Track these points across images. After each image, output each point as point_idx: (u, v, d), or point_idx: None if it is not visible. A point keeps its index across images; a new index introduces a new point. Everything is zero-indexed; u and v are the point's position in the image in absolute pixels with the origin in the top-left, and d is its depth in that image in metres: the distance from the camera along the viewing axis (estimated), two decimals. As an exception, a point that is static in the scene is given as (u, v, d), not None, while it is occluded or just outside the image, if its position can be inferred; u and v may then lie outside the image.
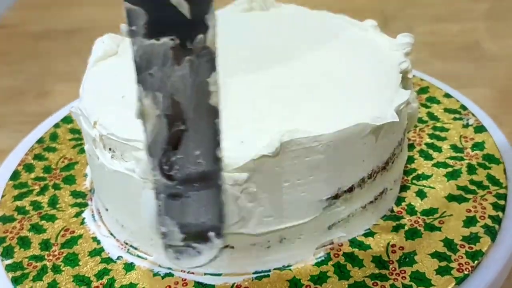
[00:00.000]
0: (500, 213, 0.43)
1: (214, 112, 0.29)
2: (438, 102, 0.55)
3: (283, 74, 0.43)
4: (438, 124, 0.52)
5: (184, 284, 0.40)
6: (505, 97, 0.66)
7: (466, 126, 0.51)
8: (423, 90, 0.57)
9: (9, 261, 0.43)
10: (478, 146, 0.49)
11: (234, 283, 0.40)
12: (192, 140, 0.30)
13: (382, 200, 0.43)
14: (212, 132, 0.30)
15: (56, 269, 0.42)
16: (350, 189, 0.40)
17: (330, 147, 0.37)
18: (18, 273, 0.42)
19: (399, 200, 0.45)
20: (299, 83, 0.42)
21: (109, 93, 0.44)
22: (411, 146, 0.50)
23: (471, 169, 0.47)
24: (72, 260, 0.43)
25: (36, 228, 0.46)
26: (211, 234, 0.32)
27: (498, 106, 0.64)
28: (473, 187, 0.45)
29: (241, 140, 0.37)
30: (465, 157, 0.48)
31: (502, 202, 0.44)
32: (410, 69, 0.44)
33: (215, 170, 0.31)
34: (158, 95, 0.28)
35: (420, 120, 0.53)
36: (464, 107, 0.54)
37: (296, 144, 0.36)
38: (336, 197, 0.40)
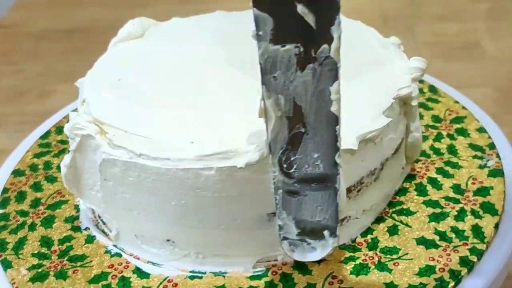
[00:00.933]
0: (464, 270, 0.38)
1: (334, 119, 0.30)
2: (467, 136, 0.50)
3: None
4: (454, 159, 0.47)
5: (126, 267, 0.42)
6: (506, 97, 0.66)
7: (482, 167, 0.46)
8: (458, 119, 0.52)
9: (0, 211, 0.47)
10: (482, 191, 0.44)
11: (168, 276, 0.40)
12: (311, 143, 0.31)
13: (342, 227, 0.40)
14: (331, 138, 0.31)
15: (32, 227, 0.45)
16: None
17: None
18: (2, 223, 0.46)
19: (366, 232, 0.42)
20: None
21: (111, 74, 0.45)
22: (411, 177, 0.46)
23: (460, 215, 0.42)
24: (49, 221, 0.46)
25: (37, 186, 0.49)
26: (326, 233, 0.34)
27: (499, 106, 0.65)
28: (451, 235, 0.41)
29: (191, 141, 0.38)
30: (462, 201, 0.43)
31: (473, 258, 0.39)
32: (416, 96, 0.42)
33: (332, 173, 0.32)
34: (280, 97, 0.30)
35: (437, 152, 0.48)
36: (492, 146, 0.48)
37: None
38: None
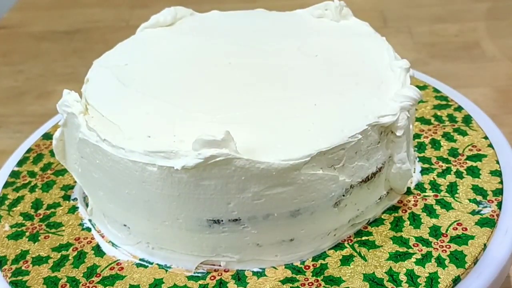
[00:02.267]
0: None
1: None
2: (477, 176, 0.45)
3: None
4: (448, 199, 0.44)
5: (89, 242, 0.44)
6: (505, 97, 0.66)
7: (474, 213, 0.42)
8: (477, 157, 0.47)
9: (15, 168, 0.51)
10: (461, 239, 0.40)
11: (118, 260, 0.42)
12: None
13: (289, 247, 0.40)
14: None
15: (32, 188, 0.49)
16: (235, 220, 0.38)
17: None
18: (11, 179, 0.50)
19: (320, 256, 0.41)
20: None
21: (122, 58, 0.47)
22: (395, 209, 0.43)
23: (423, 260, 0.39)
24: (49, 186, 0.49)
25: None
26: None
27: (498, 106, 0.65)
28: (403, 278, 0.38)
29: (149, 135, 0.39)
30: (433, 245, 0.40)
31: None
32: (403, 126, 0.40)
33: None
34: None
35: (435, 187, 0.45)
36: (498, 192, 0.44)
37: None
38: (218, 222, 0.38)
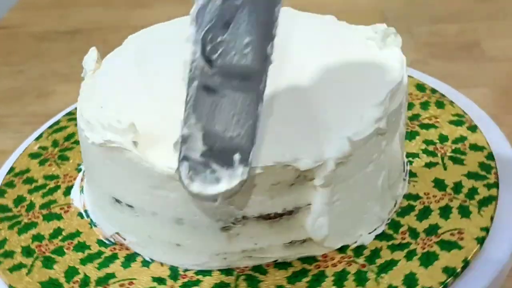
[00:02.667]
0: None
1: None
2: (465, 216, 0.41)
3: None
4: (370, 275, 0.38)
5: (70, 181, 0.49)
6: (505, 97, 0.66)
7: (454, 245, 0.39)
8: (488, 200, 0.43)
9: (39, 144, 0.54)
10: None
11: (72, 204, 0.47)
12: (244, 21, 0.27)
13: (176, 251, 0.40)
14: (268, 21, 0.26)
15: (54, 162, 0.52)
16: (130, 206, 0.40)
17: None
18: (39, 151, 0.53)
19: (204, 272, 0.40)
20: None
21: (146, 45, 0.48)
22: (385, 238, 0.41)
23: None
24: (63, 159, 0.52)
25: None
26: (236, 157, 0.29)
27: (498, 106, 0.65)
28: None
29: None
30: None
31: None
32: (327, 176, 0.35)
33: (259, 70, 0.27)
34: None
35: (370, 259, 0.39)
36: None
37: None
38: (118, 202, 0.40)
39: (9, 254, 0.43)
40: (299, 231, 0.38)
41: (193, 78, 0.28)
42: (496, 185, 0.44)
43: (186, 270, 0.40)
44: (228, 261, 0.40)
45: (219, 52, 0.27)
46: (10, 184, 0.49)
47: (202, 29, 0.27)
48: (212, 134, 0.28)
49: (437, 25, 0.81)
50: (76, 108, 0.50)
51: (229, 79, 0.27)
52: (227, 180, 0.29)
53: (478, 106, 0.54)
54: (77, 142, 0.52)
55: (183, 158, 0.30)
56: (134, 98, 0.42)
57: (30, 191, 0.48)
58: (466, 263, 0.38)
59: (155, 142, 0.37)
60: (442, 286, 0.37)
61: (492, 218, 0.41)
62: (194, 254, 0.40)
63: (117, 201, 0.41)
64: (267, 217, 0.37)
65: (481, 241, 0.39)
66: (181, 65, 0.44)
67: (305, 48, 0.46)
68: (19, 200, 0.48)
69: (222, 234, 0.38)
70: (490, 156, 0.46)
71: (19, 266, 0.42)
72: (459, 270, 0.38)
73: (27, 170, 0.51)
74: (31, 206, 0.47)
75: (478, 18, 0.82)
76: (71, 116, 0.57)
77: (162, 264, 0.41)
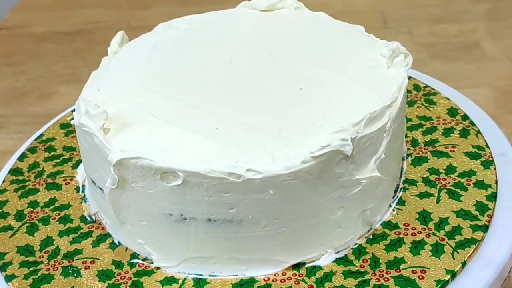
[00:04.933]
0: None
1: None
2: (436, 256, 0.40)
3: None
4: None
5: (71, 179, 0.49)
6: (505, 97, 0.66)
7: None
8: (468, 243, 0.40)
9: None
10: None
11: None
12: None
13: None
14: None
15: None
16: (93, 182, 0.42)
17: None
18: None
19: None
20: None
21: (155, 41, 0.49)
22: (344, 263, 0.40)
23: None
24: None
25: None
26: None
27: (498, 106, 0.65)
28: None
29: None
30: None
31: None
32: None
33: None
34: None
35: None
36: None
37: None
38: (93, 182, 0.42)
39: (3, 215, 0.46)
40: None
41: None
42: (485, 228, 0.41)
43: (145, 259, 0.41)
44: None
45: None
46: (33, 150, 0.52)
47: None
48: None
49: (437, 26, 0.81)
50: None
51: None
52: None
53: (478, 106, 0.54)
54: None
55: None
56: (130, 87, 0.43)
57: (46, 159, 0.51)
58: None
59: (124, 129, 0.39)
60: None
61: (464, 264, 0.39)
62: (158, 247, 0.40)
63: (93, 182, 0.42)
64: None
65: (442, 285, 0.37)
66: (190, 67, 0.45)
67: (312, 54, 0.45)
68: (33, 166, 0.50)
69: (176, 226, 0.38)
70: (492, 197, 0.43)
71: (6, 228, 0.45)
72: None
73: (52, 139, 0.53)
74: (40, 173, 0.49)
75: (478, 18, 0.82)
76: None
77: (126, 249, 0.42)
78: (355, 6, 0.86)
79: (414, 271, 0.38)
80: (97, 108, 0.39)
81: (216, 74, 0.44)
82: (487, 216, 0.42)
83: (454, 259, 0.39)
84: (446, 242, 0.40)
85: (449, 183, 0.45)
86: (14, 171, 0.50)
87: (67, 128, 0.54)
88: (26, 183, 0.49)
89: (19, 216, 0.45)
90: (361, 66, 0.44)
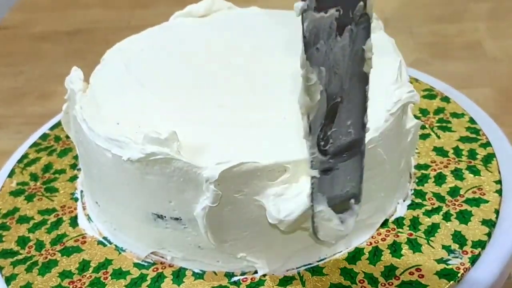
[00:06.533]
0: None
1: (365, 79, 0.31)
2: (464, 222, 0.42)
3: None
4: (421, 241, 0.41)
5: (70, 212, 0.47)
6: (506, 97, 0.66)
7: (440, 261, 0.39)
8: (475, 201, 0.43)
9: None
10: (410, 287, 0.38)
11: (85, 234, 0.44)
12: (345, 111, 0.31)
13: (230, 256, 0.39)
14: (362, 99, 0.31)
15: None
16: (177, 219, 0.39)
17: None
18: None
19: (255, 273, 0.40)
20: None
21: (143, 43, 0.49)
22: (418, 207, 0.43)
23: None
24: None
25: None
26: (352, 201, 0.35)
27: (499, 106, 0.64)
28: None
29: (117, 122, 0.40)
30: (380, 286, 0.39)
31: None
32: None
33: (361, 136, 0.33)
34: (322, 69, 0.30)
35: (414, 226, 0.42)
36: (478, 244, 0.40)
37: None
38: (161, 217, 0.39)
39: None
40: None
41: (314, 167, 0.33)
42: (489, 144, 0.48)
43: (243, 273, 0.40)
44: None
45: (330, 142, 0.32)
46: (3, 227, 0.46)
47: (316, 133, 0.32)
48: (333, 197, 0.35)
49: (438, 25, 0.81)
50: (44, 135, 0.54)
51: (340, 156, 0.33)
52: (349, 219, 0.36)
53: (479, 106, 0.54)
54: (58, 172, 0.51)
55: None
56: (146, 108, 0.42)
57: (31, 230, 0.45)
58: (497, 213, 0.42)
59: (195, 148, 0.37)
60: (487, 236, 0.40)
61: (499, 171, 0.45)
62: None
63: (159, 216, 0.39)
64: None
65: (500, 192, 0.43)
66: (169, 67, 0.46)
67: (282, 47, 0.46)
68: (22, 241, 0.45)
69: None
70: (472, 121, 0.50)
71: None
72: (494, 219, 0.41)
73: (16, 209, 0.48)
74: (40, 245, 0.44)
75: (479, 18, 0.82)
76: (38, 147, 0.54)
77: (215, 273, 0.40)
78: (355, 5, 0.86)
79: (474, 192, 0.44)
80: (164, 132, 0.36)
81: (219, 78, 0.44)
82: (482, 135, 0.49)
83: (492, 172, 0.45)
84: (475, 163, 0.46)
85: (433, 122, 0.51)
86: (7, 252, 0.44)
87: (22, 194, 0.49)
88: (34, 259, 0.43)
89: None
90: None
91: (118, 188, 0.40)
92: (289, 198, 0.36)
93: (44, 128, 0.57)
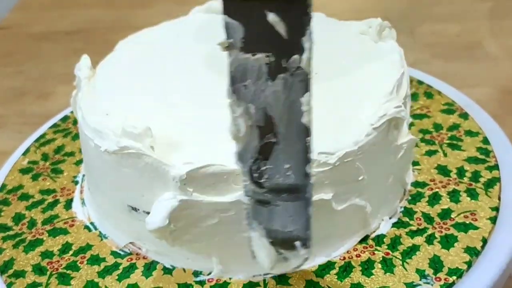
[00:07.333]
0: None
1: (305, 131, 0.30)
2: (446, 247, 0.40)
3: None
4: (396, 262, 0.39)
5: (68, 194, 0.48)
6: (507, 97, 0.66)
7: (409, 286, 0.38)
8: (464, 226, 0.42)
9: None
10: None
11: (75, 217, 0.46)
12: (282, 153, 0.31)
13: (198, 256, 0.40)
14: (302, 149, 0.31)
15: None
16: (135, 209, 0.40)
17: None
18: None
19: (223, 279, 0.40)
20: None
21: (154, 36, 0.50)
22: (402, 226, 0.42)
23: None
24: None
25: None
26: (298, 243, 0.34)
27: (500, 106, 0.64)
28: None
29: (107, 113, 0.41)
30: None
31: None
32: None
33: (304, 184, 0.32)
34: (251, 106, 0.29)
35: (393, 245, 0.41)
36: (454, 272, 0.38)
37: None
38: (135, 209, 0.40)
39: (20, 274, 0.42)
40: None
41: (247, 194, 0.32)
42: (497, 167, 0.45)
43: (209, 273, 0.40)
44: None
45: (265, 177, 0.31)
46: (4, 202, 0.48)
47: (247, 164, 0.31)
48: (273, 231, 0.33)
49: (439, 25, 0.81)
50: (65, 117, 0.55)
51: (279, 194, 0.32)
52: (294, 259, 0.34)
53: (480, 106, 0.54)
54: (68, 154, 0.52)
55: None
56: (140, 102, 0.42)
57: (28, 207, 0.47)
58: (484, 241, 0.40)
59: (169, 145, 0.37)
60: (467, 265, 0.39)
61: (499, 198, 0.43)
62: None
63: (133, 209, 0.40)
64: None
65: (493, 220, 0.41)
66: (175, 64, 0.45)
67: None
68: (18, 218, 0.46)
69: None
70: (486, 141, 0.48)
71: (34, 285, 0.41)
72: (479, 248, 0.39)
73: (21, 186, 0.50)
74: (32, 223, 0.46)
75: (480, 17, 0.82)
76: (57, 128, 0.56)
77: (184, 270, 0.40)
78: (356, 5, 0.86)
79: (466, 216, 0.42)
80: (139, 127, 0.37)
81: (210, 78, 0.44)
82: (492, 157, 0.47)
83: (490, 198, 0.43)
84: (475, 186, 0.44)
85: (444, 138, 0.49)
86: (2, 227, 0.46)
87: (30, 172, 0.51)
88: (23, 236, 0.45)
89: (39, 270, 0.42)
90: (352, 47, 0.46)
91: (100, 177, 0.42)
92: None
93: (44, 128, 0.57)
